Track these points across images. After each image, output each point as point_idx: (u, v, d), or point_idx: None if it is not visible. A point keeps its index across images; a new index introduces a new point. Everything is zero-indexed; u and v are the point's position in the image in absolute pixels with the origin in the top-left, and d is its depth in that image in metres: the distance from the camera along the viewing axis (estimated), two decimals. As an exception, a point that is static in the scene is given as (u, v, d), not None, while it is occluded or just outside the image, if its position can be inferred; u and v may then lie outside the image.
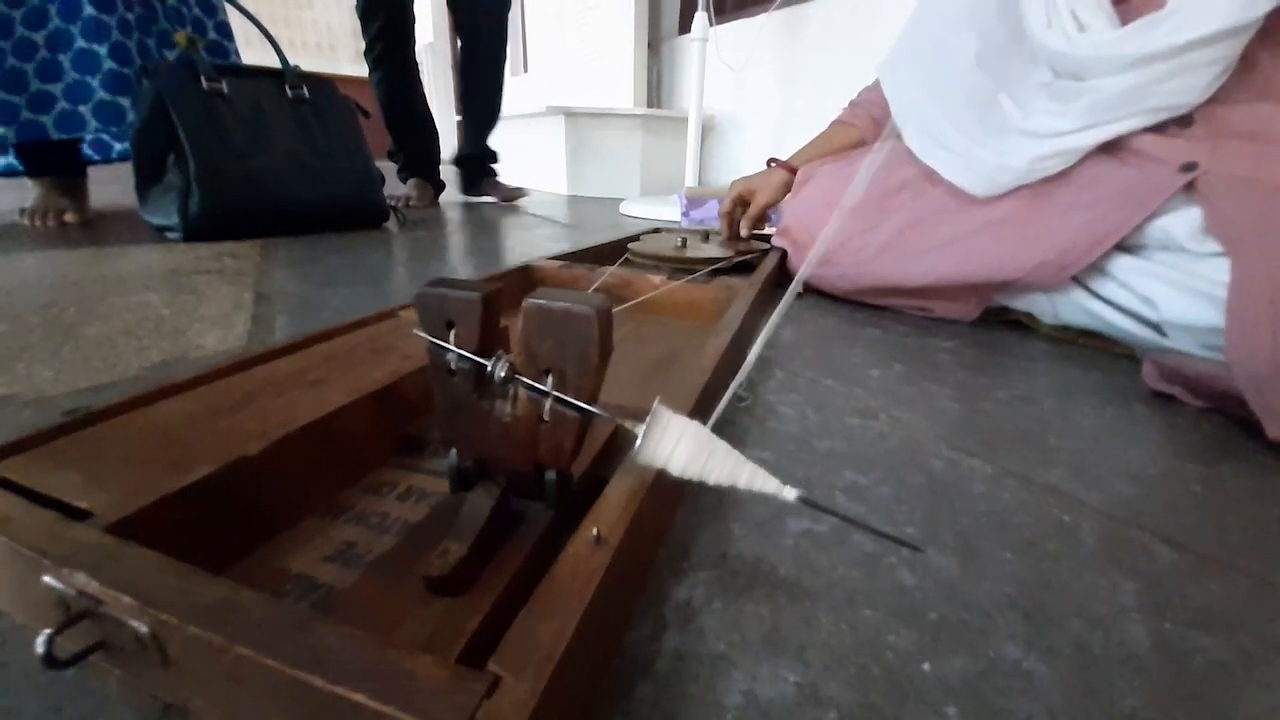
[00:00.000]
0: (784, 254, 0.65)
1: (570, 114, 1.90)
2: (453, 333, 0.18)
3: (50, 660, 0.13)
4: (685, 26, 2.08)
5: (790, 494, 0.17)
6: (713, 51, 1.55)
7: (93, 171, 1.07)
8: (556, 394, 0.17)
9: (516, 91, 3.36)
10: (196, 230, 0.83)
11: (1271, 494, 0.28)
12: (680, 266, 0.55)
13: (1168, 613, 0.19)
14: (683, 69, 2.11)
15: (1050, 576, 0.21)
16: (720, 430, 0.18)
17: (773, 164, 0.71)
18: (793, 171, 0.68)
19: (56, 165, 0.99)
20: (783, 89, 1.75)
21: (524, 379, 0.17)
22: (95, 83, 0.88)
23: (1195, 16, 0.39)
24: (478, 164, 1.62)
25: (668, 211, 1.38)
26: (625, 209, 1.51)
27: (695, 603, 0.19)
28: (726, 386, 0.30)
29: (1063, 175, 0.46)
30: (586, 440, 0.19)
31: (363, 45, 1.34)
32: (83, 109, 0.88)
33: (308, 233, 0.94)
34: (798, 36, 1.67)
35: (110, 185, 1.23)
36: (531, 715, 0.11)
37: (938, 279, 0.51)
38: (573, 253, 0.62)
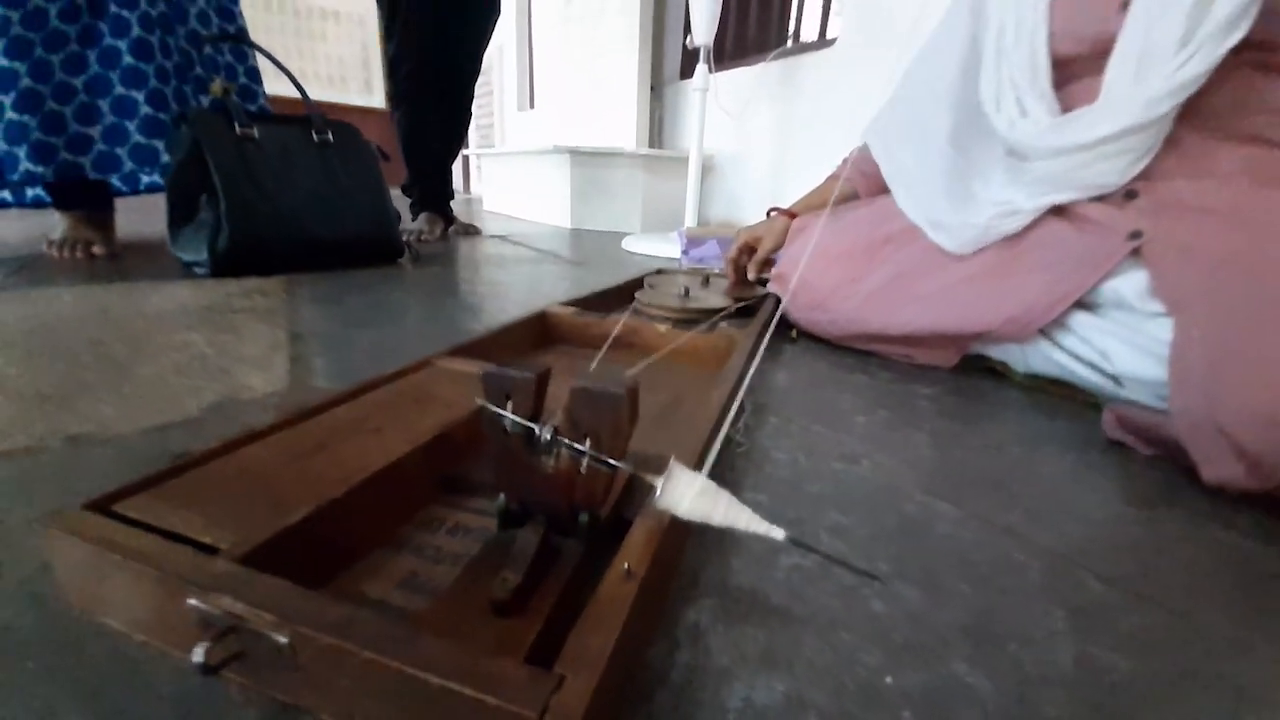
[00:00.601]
0: (779, 300, 0.70)
1: (575, 153, 1.98)
2: (509, 403, 0.22)
3: (205, 668, 0.17)
4: (687, 72, 2.18)
5: (779, 534, 0.21)
6: (712, 98, 1.64)
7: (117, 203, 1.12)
8: (594, 454, 0.21)
9: (523, 125, 3.47)
10: (223, 266, 0.88)
11: (1200, 536, 0.32)
12: (684, 318, 0.60)
13: (1092, 638, 0.23)
14: (684, 112, 2.20)
15: (998, 606, 0.25)
16: (721, 474, 0.22)
17: (773, 213, 0.77)
18: (794, 218, 0.73)
19: (85, 199, 1.04)
20: (779, 133, 1.83)
21: (565, 440, 0.21)
22: (132, 126, 0.94)
23: (1108, 115, 0.45)
24: (438, 185, 1.72)
25: (668, 249, 1.44)
26: (628, 245, 1.57)
27: (702, 625, 0.23)
28: (728, 434, 0.34)
29: (1027, 239, 0.51)
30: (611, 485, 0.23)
31: (369, 77, 1.46)
32: (119, 150, 0.94)
33: (328, 268, 0.99)
34: (793, 86, 1.76)
35: (132, 215, 1.28)
36: (589, 705, 0.15)
37: (918, 329, 0.56)
38: (583, 298, 0.67)
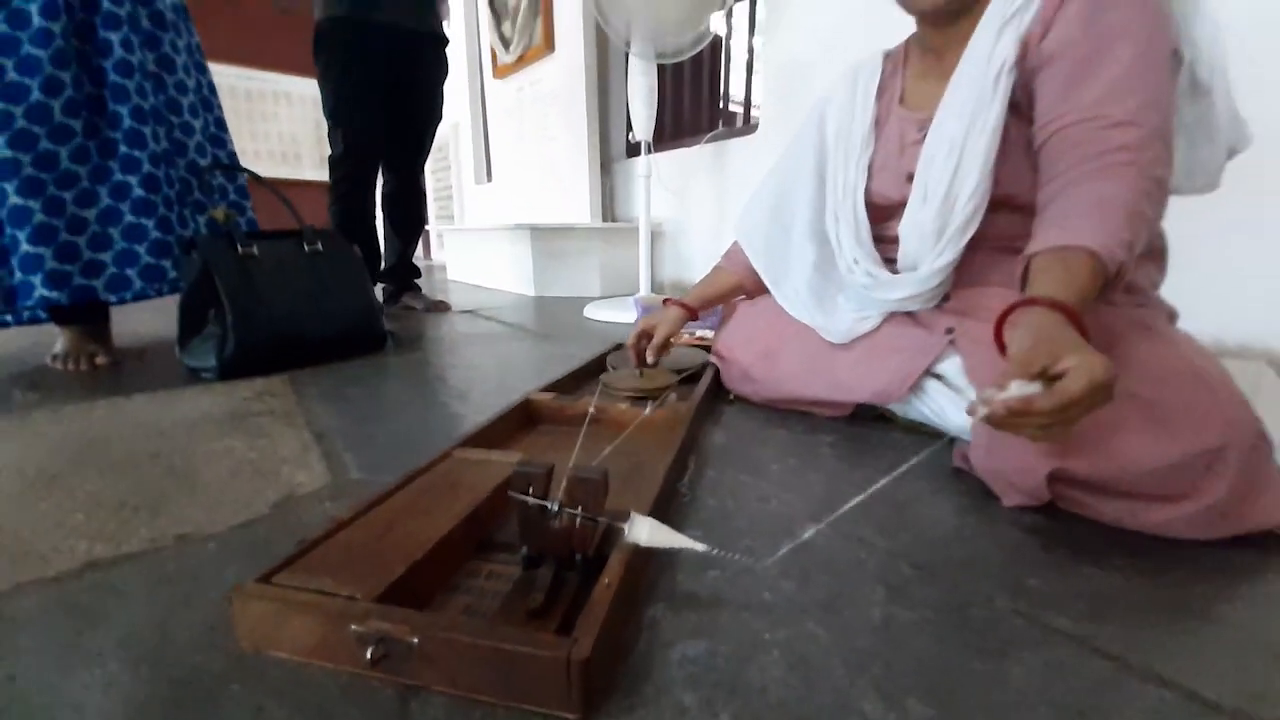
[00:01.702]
0: (718, 371, 0.87)
1: (536, 229, 2.16)
2: (531, 488, 0.36)
3: (371, 663, 0.30)
4: (633, 152, 2.43)
5: (700, 547, 0.35)
6: (655, 178, 1.85)
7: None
8: (584, 515, 0.35)
9: (482, 197, 3.67)
10: (230, 370, 0.98)
11: (993, 533, 0.47)
12: (641, 395, 0.75)
13: (896, 603, 0.38)
14: (632, 187, 2.43)
15: (843, 588, 0.39)
16: (670, 518, 0.36)
17: (668, 303, 0.89)
18: (684, 308, 0.87)
19: (84, 312, 1.13)
20: (716, 204, 2.06)
21: (568, 509, 0.35)
22: (142, 250, 1.05)
23: (903, 284, 0.67)
24: (403, 276, 1.89)
25: (625, 315, 1.60)
26: (589, 313, 1.73)
27: (658, 615, 0.37)
28: (674, 488, 0.48)
29: (884, 332, 0.70)
30: (597, 533, 0.37)
31: (325, 152, 1.61)
32: (130, 271, 1.05)
33: (321, 362, 1.10)
34: (725, 164, 2.00)
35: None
36: (590, 653, 0.28)
37: (818, 396, 0.73)
38: (558, 381, 0.81)
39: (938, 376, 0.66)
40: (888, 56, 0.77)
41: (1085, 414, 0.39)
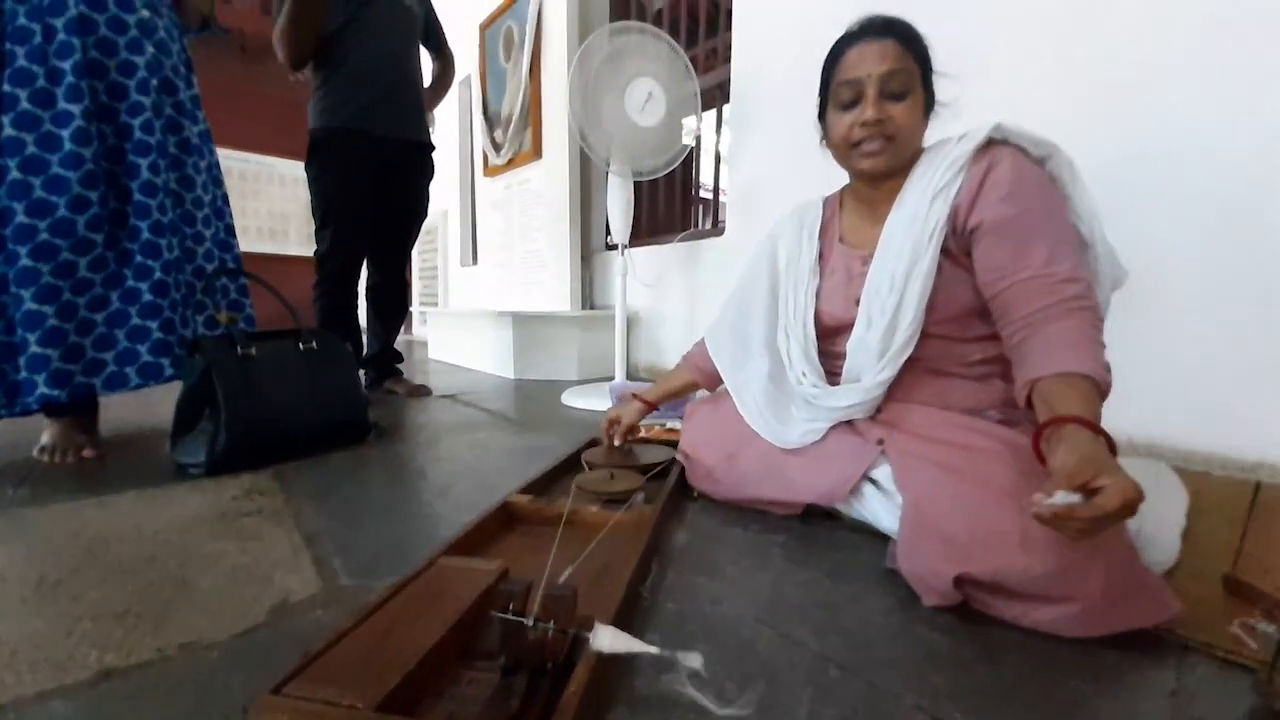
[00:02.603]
0: (684, 469, 0.95)
1: (518, 316, 2.28)
2: (510, 604, 0.42)
3: (369, 764, 0.35)
4: (611, 246, 2.61)
5: (654, 650, 0.42)
6: (631, 274, 2.00)
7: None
8: (557, 629, 0.42)
9: (466, 279, 3.82)
10: (218, 465, 1.03)
11: (912, 634, 0.55)
12: (612, 497, 0.82)
13: (824, 701, 0.45)
14: (610, 276, 2.59)
15: (777, 689, 0.46)
16: (631, 623, 0.43)
17: (633, 396, 1.05)
18: (645, 402, 1.03)
19: (75, 404, 1.17)
20: (689, 295, 2.22)
21: (542, 624, 0.42)
22: (143, 349, 1.12)
23: (847, 394, 0.77)
24: (385, 362, 1.95)
25: (601, 403, 1.69)
26: (567, 400, 1.81)
27: (618, 718, 0.43)
28: (638, 591, 0.55)
29: (829, 440, 0.79)
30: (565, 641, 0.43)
31: (311, 230, 1.70)
32: (128, 369, 1.11)
33: (307, 454, 1.14)
34: (696, 261, 2.18)
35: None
36: (560, 752, 0.34)
37: (772, 497, 0.81)
38: (534, 481, 0.88)
39: (873, 481, 0.76)
40: (825, 202, 0.92)
41: (1115, 524, 0.47)
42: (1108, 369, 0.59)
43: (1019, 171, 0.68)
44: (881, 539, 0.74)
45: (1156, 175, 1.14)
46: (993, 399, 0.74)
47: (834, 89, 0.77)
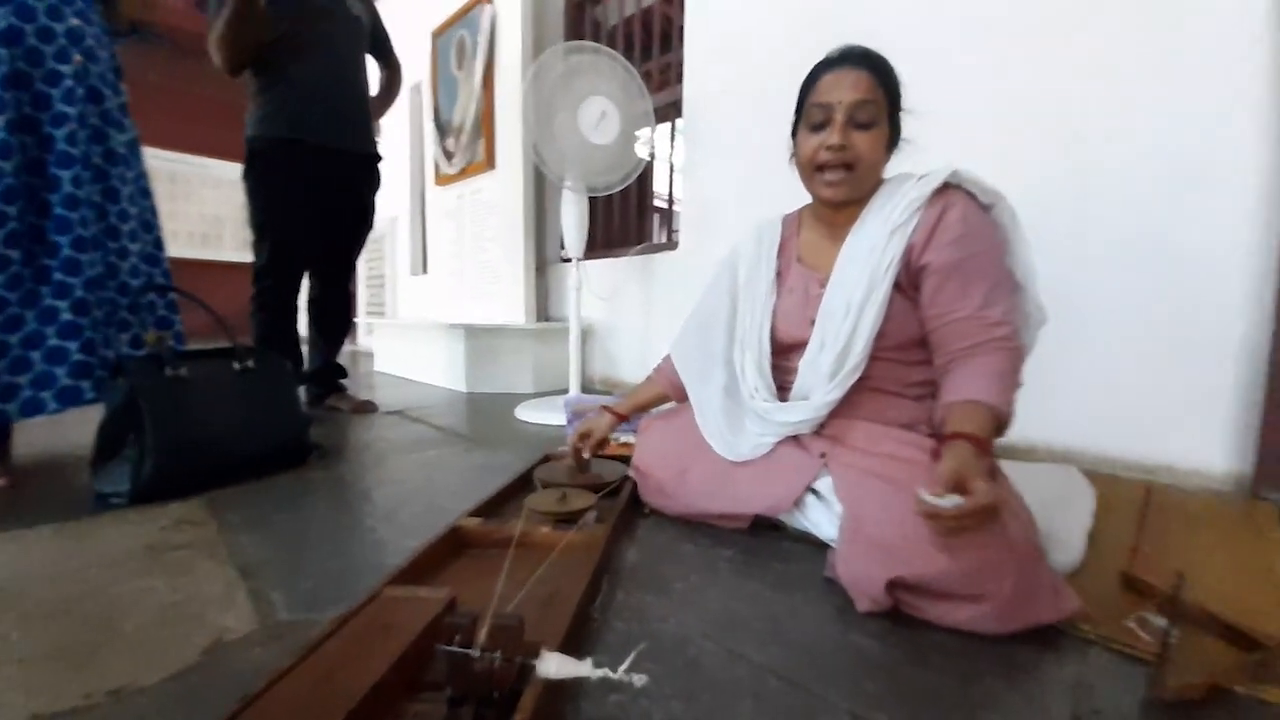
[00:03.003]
0: (636, 485, 0.96)
1: (470, 329, 2.25)
2: (457, 639, 0.43)
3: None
4: (565, 257, 2.61)
5: (599, 673, 0.43)
6: (586, 287, 2.01)
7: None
8: (504, 658, 0.43)
9: (416, 288, 3.72)
10: (144, 495, 0.97)
11: (844, 641, 0.58)
12: (563, 517, 0.83)
13: (763, 712, 0.47)
14: (565, 288, 2.60)
15: (720, 702, 0.48)
16: (580, 645, 0.44)
17: (604, 409, 1.05)
18: (616, 414, 1.03)
19: (-17, 432, 1.09)
20: (643, 307, 2.24)
21: (489, 653, 0.43)
22: (61, 372, 1.05)
23: (798, 410, 0.81)
24: (327, 378, 1.89)
25: (556, 417, 1.68)
26: (520, 414, 1.79)
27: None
28: (588, 613, 0.56)
29: (776, 453, 0.83)
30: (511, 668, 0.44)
31: (248, 236, 1.63)
32: (45, 394, 1.04)
33: (243, 479, 1.09)
34: (650, 274, 2.21)
35: None
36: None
37: (722, 510, 0.84)
38: (485, 503, 0.87)
39: (815, 492, 0.79)
40: (785, 221, 0.96)
41: (979, 525, 0.56)
42: (1012, 404, 0.68)
43: (969, 218, 0.74)
44: (822, 548, 0.77)
45: (1071, 202, 1.25)
46: (925, 416, 0.79)
47: (807, 109, 0.81)
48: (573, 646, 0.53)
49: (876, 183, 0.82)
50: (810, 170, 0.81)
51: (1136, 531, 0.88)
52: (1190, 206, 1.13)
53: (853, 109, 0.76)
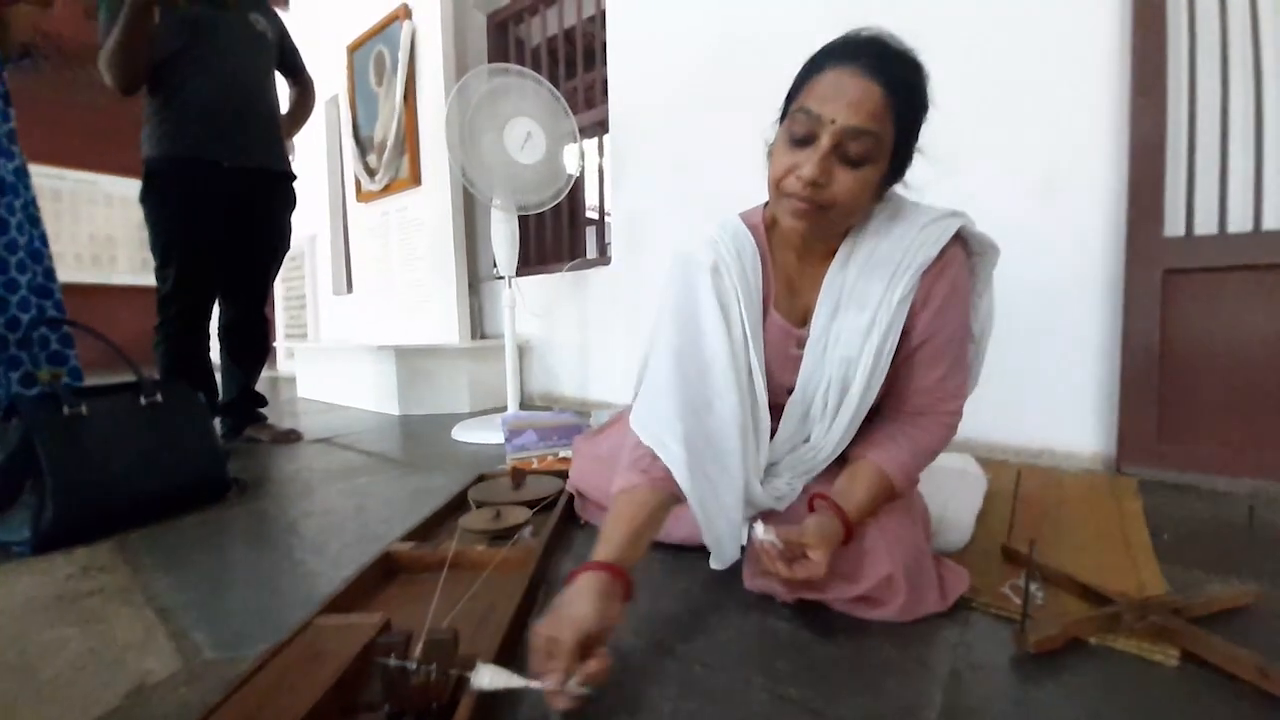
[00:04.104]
0: (571, 497, 0.99)
1: (401, 350, 2.20)
2: (393, 655, 0.45)
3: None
4: (498, 275, 2.60)
5: (536, 685, 0.46)
6: (521, 304, 2.02)
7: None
8: (439, 671, 0.45)
9: (340, 309, 3.58)
10: (47, 543, 0.90)
11: (762, 628, 0.63)
12: (497, 534, 0.84)
13: (687, 697, 0.51)
14: (499, 305, 2.58)
15: (648, 691, 0.52)
16: (515, 658, 0.47)
17: (597, 571, 0.57)
18: (616, 570, 0.58)
19: None
20: (579, 323, 2.28)
21: (425, 667, 0.45)
22: (-58, 416, 0.96)
23: (807, 457, 0.74)
24: (245, 407, 1.81)
25: (493, 436, 1.68)
26: (457, 434, 1.78)
27: (501, 748, 0.46)
28: (525, 624, 0.59)
29: None
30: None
31: (146, 256, 1.53)
32: (-79, 440, 0.94)
33: (155, 520, 1.03)
34: (585, 290, 2.25)
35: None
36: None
37: (681, 540, 0.83)
38: (418, 526, 0.88)
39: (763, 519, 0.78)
40: (754, 232, 0.73)
41: (798, 583, 0.62)
42: (915, 480, 0.74)
43: (957, 282, 0.67)
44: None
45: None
46: None
47: (793, 110, 0.61)
48: (509, 658, 0.55)
49: (854, 222, 0.67)
50: (776, 189, 0.63)
51: (1014, 510, 1.00)
52: (1047, 218, 1.30)
53: (844, 136, 0.58)
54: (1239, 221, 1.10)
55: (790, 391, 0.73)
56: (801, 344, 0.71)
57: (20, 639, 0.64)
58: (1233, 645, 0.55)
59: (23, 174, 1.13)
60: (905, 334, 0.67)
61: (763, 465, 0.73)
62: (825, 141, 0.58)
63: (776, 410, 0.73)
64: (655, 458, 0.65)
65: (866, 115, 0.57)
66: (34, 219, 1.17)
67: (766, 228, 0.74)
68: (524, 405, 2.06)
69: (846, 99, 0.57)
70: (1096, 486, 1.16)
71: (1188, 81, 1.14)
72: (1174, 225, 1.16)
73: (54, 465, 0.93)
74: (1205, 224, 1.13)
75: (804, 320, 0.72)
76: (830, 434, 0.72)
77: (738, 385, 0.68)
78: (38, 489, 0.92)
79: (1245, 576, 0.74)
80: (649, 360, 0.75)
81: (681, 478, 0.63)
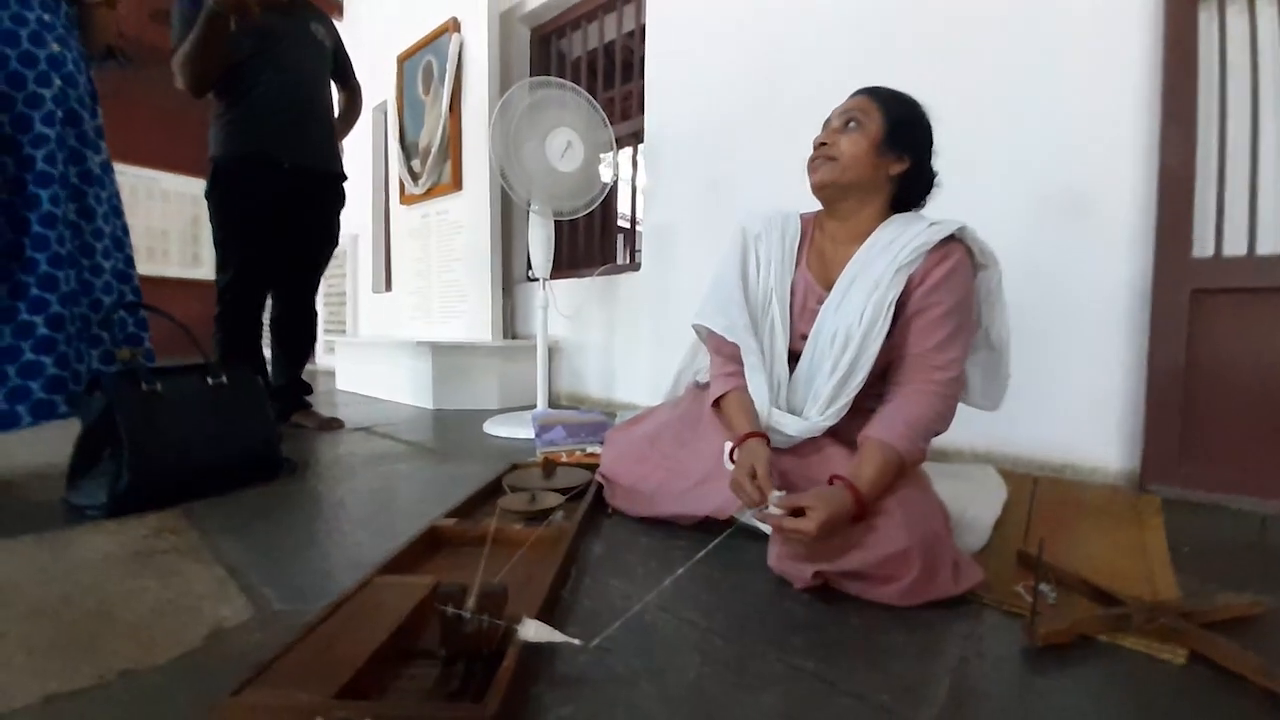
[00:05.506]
0: (600, 487, 1.05)
1: (437, 347, 2.29)
2: (450, 602, 0.50)
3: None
4: (532, 277, 2.69)
5: (577, 642, 0.51)
6: (552, 306, 2.09)
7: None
8: (491, 620, 0.50)
9: (379, 306, 3.71)
10: (120, 507, 0.99)
11: (779, 607, 0.67)
12: (533, 515, 0.90)
13: (709, 665, 0.56)
14: (532, 306, 2.67)
15: (672, 659, 0.57)
16: (553, 619, 0.52)
17: (749, 439, 0.84)
18: (760, 436, 0.85)
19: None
20: (608, 326, 2.34)
21: (479, 616, 0.50)
22: (36, 385, 1.07)
23: (794, 423, 0.86)
24: (293, 395, 1.90)
25: (524, 431, 1.75)
26: (489, 428, 1.85)
27: (541, 691, 0.51)
28: (559, 594, 0.64)
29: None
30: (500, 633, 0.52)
31: (198, 250, 1.66)
32: (20, 408, 1.05)
33: (217, 493, 1.11)
34: (614, 294, 2.31)
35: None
36: (497, 709, 0.43)
37: (675, 513, 0.92)
38: (459, 505, 0.94)
39: None
40: (803, 218, 0.97)
41: (799, 538, 0.69)
42: (923, 450, 0.79)
43: (958, 271, 0.81)
44: (766, 539, 0.87)
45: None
46: None
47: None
48: (546, 621, 0.60)
49: (860, 180, 0.86)
50: (807, 170, 0.89)
51: (1030, 517, 1.02)
52: (1076, 236, 1.31)
53: (841, 117, 0.87)
54: (1269, 243, 1.11)
55: (805, 339, 0.89)
56: (821, 301, 0.88)
57: (102, 587, 0.72)
58: (1240, 648, 0.57)
59: (108, 168, 1.24)
60: (902, 305, 0.82)
61: (783, 390, 0.90)
62: (835, 123, 0.88)
63: (795, 358, 0.91)
64: (730, 374, 0.92)
65: (855, 105, 0.87)
66: (117, 210, 1.28)
67: (813, 222, 0.96)
68: (551, 404, 2.13)
69: (848, 104, 0.88)
70: (1118, 501, 1.17)
71: (1218, 104, 1.15)
72: (1203, 246, 1.16)
73: (133, 436, 1.02)
74: (1234, 245, 1.14)
75: (829, 286, 0.89)
76: (833, 378, 0.84)
77: (750, 312, 0.92)
78: (116, 457, 1.01)
79: (1261, 591, 0.75)
80: (711, 284, 0.99)
81: (738, 339, 0.90)
